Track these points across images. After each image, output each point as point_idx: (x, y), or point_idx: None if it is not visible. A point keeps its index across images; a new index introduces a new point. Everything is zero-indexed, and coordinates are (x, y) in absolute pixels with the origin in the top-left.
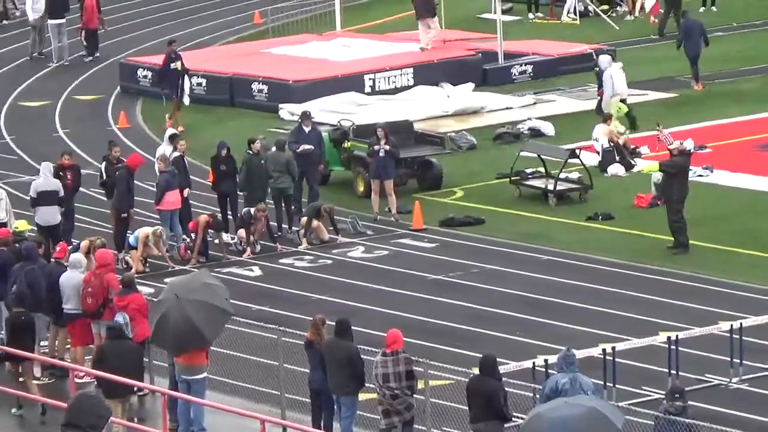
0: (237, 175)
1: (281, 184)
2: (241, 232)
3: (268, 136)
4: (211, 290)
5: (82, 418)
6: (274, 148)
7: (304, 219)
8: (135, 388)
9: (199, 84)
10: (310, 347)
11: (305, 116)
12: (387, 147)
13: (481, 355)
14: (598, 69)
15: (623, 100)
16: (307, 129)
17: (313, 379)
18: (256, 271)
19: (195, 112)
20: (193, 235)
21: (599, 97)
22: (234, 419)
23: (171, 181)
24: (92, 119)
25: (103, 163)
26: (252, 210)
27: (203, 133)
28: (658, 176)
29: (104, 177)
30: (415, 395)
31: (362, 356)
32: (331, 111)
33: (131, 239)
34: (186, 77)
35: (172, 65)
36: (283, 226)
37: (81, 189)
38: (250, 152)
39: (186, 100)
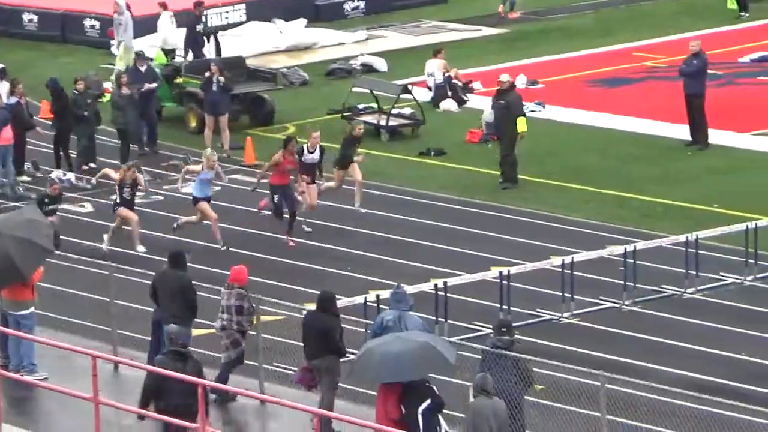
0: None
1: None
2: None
3: (101, 73)
4: (32, 226)
5: None
6: (114, 87)
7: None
8: None
9: (31, 20)
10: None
11: (139, 56)
12: (222, 79)
13: (319, 292)
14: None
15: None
16: (142, 68)
17: (155, 312)
18: (88, 208)
19: (27, 48)
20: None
21: None
22: (65, 355)
23: (6, 116)
24: None
25: None
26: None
27: (35, 69)
28: (487, 114)
29: None
30: (250, 332)
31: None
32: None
33: None
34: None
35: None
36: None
37: None
38: (76, 92)
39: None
